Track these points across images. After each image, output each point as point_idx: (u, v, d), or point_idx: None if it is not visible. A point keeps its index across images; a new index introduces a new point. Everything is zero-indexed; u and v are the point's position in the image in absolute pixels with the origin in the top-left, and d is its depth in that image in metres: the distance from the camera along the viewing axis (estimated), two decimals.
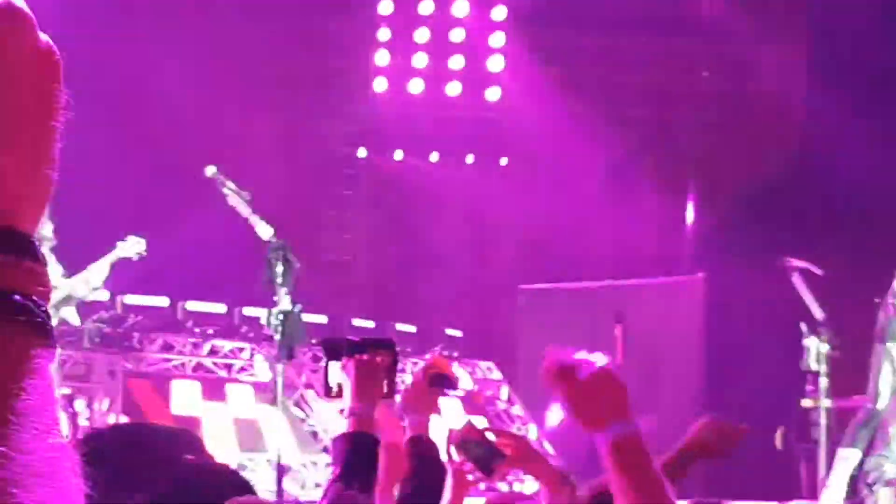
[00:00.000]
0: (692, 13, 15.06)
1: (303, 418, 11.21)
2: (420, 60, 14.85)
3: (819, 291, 9.48)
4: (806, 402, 10.15)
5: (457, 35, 14.87)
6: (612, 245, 14.39)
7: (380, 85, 14.82)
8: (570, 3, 15.05)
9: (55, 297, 8.86)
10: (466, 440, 3.57)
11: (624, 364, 12.81)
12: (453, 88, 14.96)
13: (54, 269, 8.99)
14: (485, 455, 3.54)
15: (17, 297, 0.85)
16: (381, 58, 14.77)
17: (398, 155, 15.06)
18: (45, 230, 9.01)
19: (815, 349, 9.58)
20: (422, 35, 14.80)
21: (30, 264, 0.87)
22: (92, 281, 9.09)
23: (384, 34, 14.75)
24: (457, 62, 14.91)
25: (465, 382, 13.07)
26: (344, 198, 14.89)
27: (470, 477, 3.66)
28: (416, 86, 14.89)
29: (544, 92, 14.91)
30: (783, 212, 12.67)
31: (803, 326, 9.63)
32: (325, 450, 10.51)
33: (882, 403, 8.97)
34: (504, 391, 13.33)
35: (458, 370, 12.74)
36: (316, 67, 14.72)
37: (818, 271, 9.36)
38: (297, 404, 11.14)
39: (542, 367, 2.56)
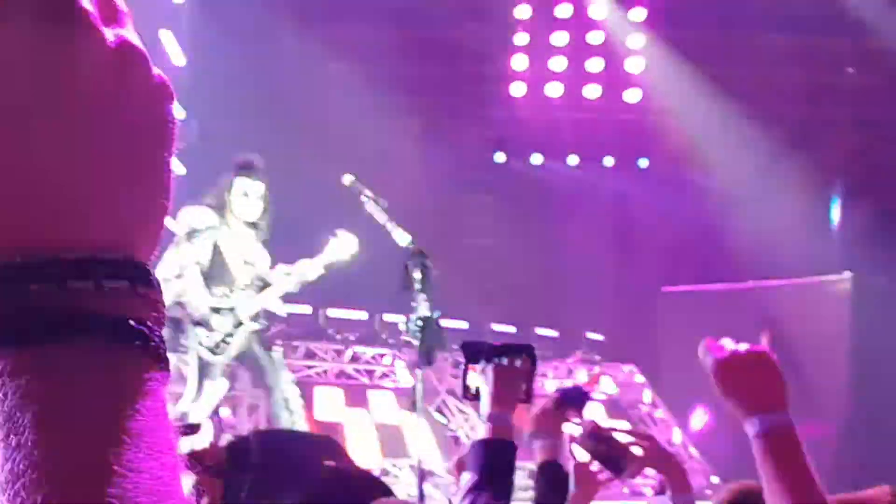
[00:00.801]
0: (837, 9, 14.84)
1: (444, 423, 11.28)
2: (558, 64, 14.82)
3: None
4: None
5: (595, 37, 14.82)
6: (757, 245, 14.25)
7: (517, 89, 14.82)
8: (709, 2, 14.93)
9: (281, 284, 9.20)
10: (592, 438, 3.59)
11: None
12: (592, 91, 14.91)
13: (262, 259, 9.27)
14: (613, 454, 3.55)
15: (131, 322, 0.89)
16: (519, 62, 14.78)
17: (537, 159, 15.10)
18: (262, 223, 9.32)
19: None
20: (560, 38, 14.78)
21: (144, 291, 0.91)
22: (308, 274, 9.26)
23: (521, 38, 14.76)
24: (595, 65, 14.87)
25: (609, 387, 13.09)
26: (483, 203, 14.95)
27: (600, 477, 3.69)
28: (554, 89, 14.87)
29: (685, 92, 14.82)
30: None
31: None
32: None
33: None
34: (647, 395, 13.30)
35: (601, 378, 12.79)
36: (452, 72, 14.79)
37: None
38: (438, 410, 11.22)
39: (701, 351, 2.55)
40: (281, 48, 13.23)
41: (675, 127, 14.91)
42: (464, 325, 12.85)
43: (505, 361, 3.43)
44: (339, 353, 11.80)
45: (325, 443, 5.34)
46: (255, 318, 9.16)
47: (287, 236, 9.55)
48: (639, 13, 14.77)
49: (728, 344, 2.57)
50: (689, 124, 14.89)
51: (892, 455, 10.87)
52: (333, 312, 12.06)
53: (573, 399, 3.92)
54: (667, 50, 14.83)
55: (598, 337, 13.91)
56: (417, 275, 7.70)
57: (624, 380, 13.52)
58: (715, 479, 10.65)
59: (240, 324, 9.06)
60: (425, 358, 7.65)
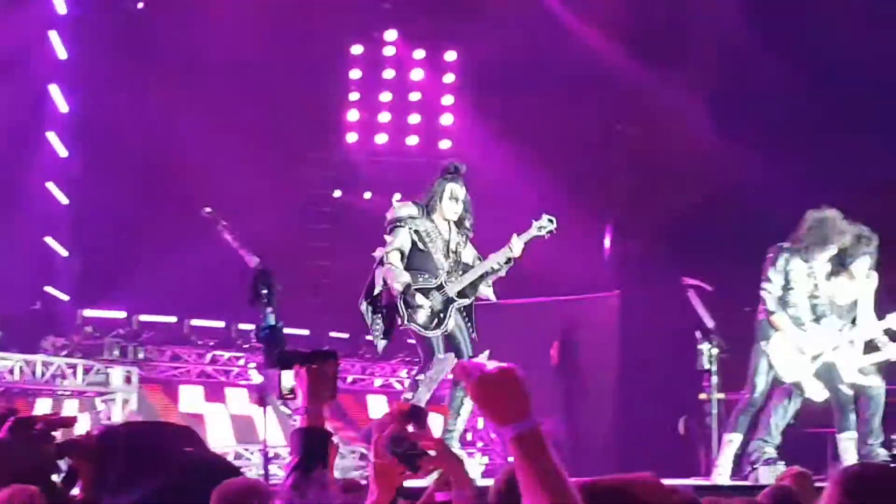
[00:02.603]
0: (612, 75, 15.11)
1: (288, 414, 11.13)
2: (384, 117, 14.86)
3: (709, 304, 9.52)
4: (702, 396, 10.18)
5: (415, 96, 14.88)
6: (547, 268, 14.36)
7: (351, 137, 14.82)
8: (508, 69, 15.09)
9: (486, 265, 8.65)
10: (394, 441, 3.56)
11: (560, 368, 12.85)
12: (412, 140, 14.97)
13: (467, 252, 8.79)
14: (411, 454, 3.54)
15: None
16: (353, 115, 14.77)
17: (367, 195, 15.02)
18: (465, 220, 8.77)
19: (708, 352, 9.61)
20: (385, 96, 14.82)
21: None
22: (514, 250, 8.66)
23: (354, 96, 14.76)
24: (415, 118, 14.92)
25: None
26: (322, 231, 14.84)
27: (398, 473, 3.66)
28: (381, 138, 14.89)
29: (487, 143, 14.95)
30: (681, 240, 12.69)
31: (698, 333, 9.66)
32: None
33: (758, 393, 9.03)
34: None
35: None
36: (299, 123, 14.71)
37: (709, 288, 9.39)
38: (283, 403, 11.05)
39: (460, 372, 2.50)
40: (149, 99, 13.05)
41: (479, 171, 14.93)
42: (305, 332, 12.71)
43: (315, 366, 3.39)
44: (200, 355, 11.57)
45: (186, 432, 5.16)
46: (461, 296, 8.64)
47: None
48: (449, 77, 14.87)
49: (482, 365, 2.49)
50: (491, 169, 14.98)
51: (651, 441, 11.02)
52: (196, 322, 11.83)
53: (416, 414, 3.90)
54: (471, 107, 14.94)
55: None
56: (265, 290, 7.58)
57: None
58: (510, 459, 10.64)
59: (451, 301, 8.59)
60: (271, 359, 7.56)
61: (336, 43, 14.74)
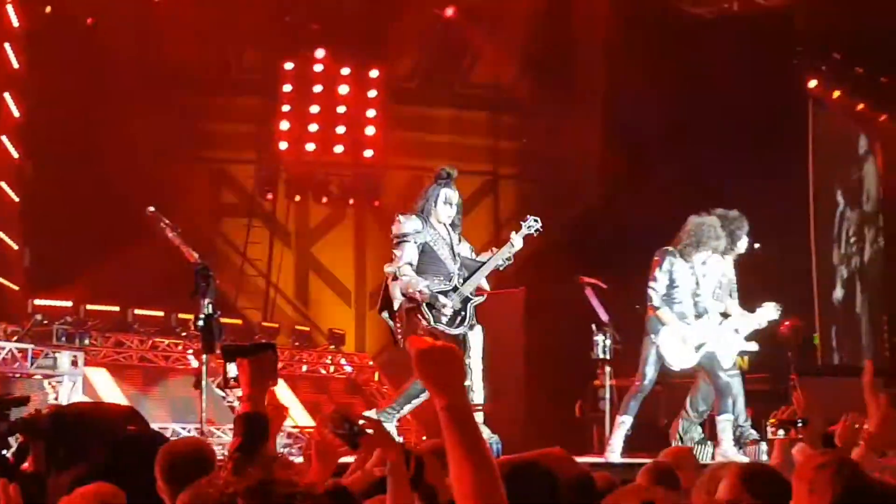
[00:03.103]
0: (515, 95, 15.32)
1: (223, 396, 11.08)
2: (313, 127, 14.85)
3: (604, 300, 9.67)
4: (596, 382, 10.32)
5: (341, 109, 14.90)
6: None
7: (283, 145, 14.78)
8: (424, 86, 15.22)
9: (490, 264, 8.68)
10: (336, 421, 3.58)
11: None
12: (338, 148, 14.99)
13: (465, 249, 8.80)
14: (352, 433, 3.57)
15: None
16: (284, 125, 14.74)
17: (297, 198, 14.99)
18: (457, 221, 8.74)
19: (602, 343, 9.74)
20: (314, 108, 14.82)
21: None
22: (516, 245, 8.74)
23: (286, 108, 14.74)
24: (341, 129, 14.94)
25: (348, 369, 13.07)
26: (257, 229, 14.79)
27: (340, 451, 3.69)
28: (310, 146, 14.88)
29: (405, 151, 15.04)
30: (578, 243, 12.85)
31: (593, 326, 9.79)
32: None
33: (647, 381, 9.20)
34: (376, 375, 13.32)
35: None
36: (236, 132, 14.69)
37: (604, 286, 9.53)
38: (218, 386, 11.00)
39: (408, 344, 2.58)
40: (96, 106, 12.97)
41: (398, 177, 15.10)
42: (239, 321, 12.67)
43: (255, 356, 3.42)
44: (142, 342, 11.47)
45: (129, 412, 5.14)
46: (475, 295, 8.67)
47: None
48: (373, 92, 14.92)
49: (427, 341, 2.57)
50: (408, 176, 15.07)
51: (552, 422, 11.15)
52: (138, 311, 11.72)
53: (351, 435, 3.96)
54: (392, 120, 15.01)
55: (341, 331, 13.85)
56: (203, 283, 7.54)
57: (359, 364, 13.50)
58: (424, 437, 10.70)
59: (467, 300, 8.59)
60: (208, 346, 7.53)
61: (270, 60, 14.71)
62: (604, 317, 9.46)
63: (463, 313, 8.58)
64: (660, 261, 9.09)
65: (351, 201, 15.06)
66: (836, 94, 15.06)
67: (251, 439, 3.26)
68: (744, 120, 13.35)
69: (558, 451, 3.55)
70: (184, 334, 11.45)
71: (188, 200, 13.93)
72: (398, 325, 8.50)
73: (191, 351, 11.29)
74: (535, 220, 8.85)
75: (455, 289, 8.56)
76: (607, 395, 9.60)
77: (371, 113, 14.90)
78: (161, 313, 11.74)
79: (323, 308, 14.74)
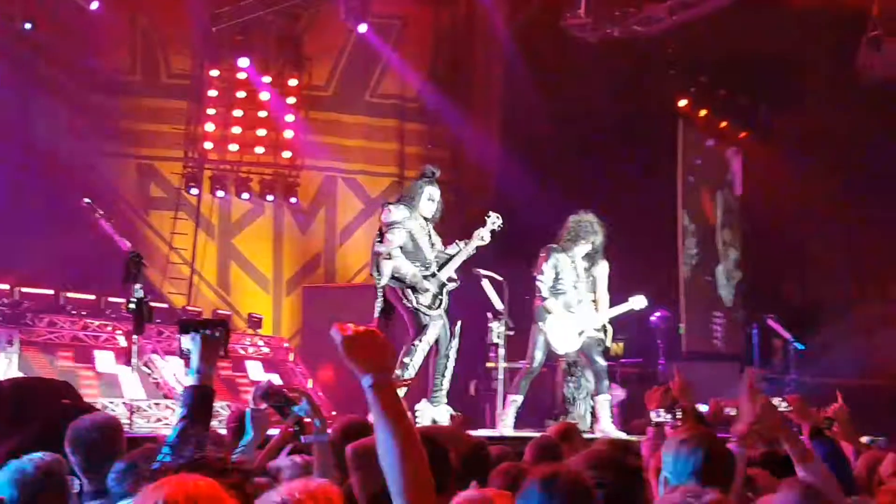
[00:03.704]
0: (420, 105, 15.32)
1: (149, 374, 10.84)
2: (236, 129, 14.64)
3: (499, 291, 9.67)
4: (490, 364, 10.33)
5: (262, 114, 14.71)
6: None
7: (208, 145, 14.53)
8: (338, 95, 15.13)
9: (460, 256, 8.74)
10: (266, 393, 3.53)
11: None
12: (259, 150, 14.78)
13: (439, 241, 8.86)
14: (283, 404, 3.52)
15: None
16: (210, 127, 14.49)
17: (220, 193, 14.73)
18: (436, 216, 8.78)
19: (496, 329, 9.75)
20: (237, 112, 14.62)
21: None
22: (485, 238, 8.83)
23: (211, 111, 14.50)
24: (261, 132, 14.73)
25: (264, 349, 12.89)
26: (183, 221, 14.51)
27: (273, 419, 3.65)
28: (233, 147, 14.65)
29: (320, 154, 14.93)
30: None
31: (489, 314, 9.80)
32: (165, 396, 10.22)
33: (536, 364, 9.27)
34: (291, 356, 13.16)
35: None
36: (165, 132, 14.42)
37: (499, 278, 9.53)
38: (145, 364, 10.77)
39: (333, 330, 2.52)
40: (33, 104, 12.69)
41: (314, 177, 14.98)
42: (165, 306, 12.41)
43: (209, 332, 3.29)
44: (73, 322, 11.13)
45: (63, 387, 5.00)
46: (450, 280, 8.74)
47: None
48: (291, 99, 14.75)
49: (350, 327, 2.54)
50: (323, 176, 14.95)
51: (449, 400, 11.13)
52: (70, 294, 11.39)
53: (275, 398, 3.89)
54: (309, 124, 14.88)
55: (259, 316, 13.63)
56: (133, 269, 7.36)
57: (276, 345, 13.31)
58: (334, 413, 10.59)
59: (444, 284, 8.63)
60: (139, 327, 7.37)
61: (197, 67, 14.46)
62: (499, 305, 9.47)
63: (440, 297, 8.66)
64: (546, 256, 9.20)
65: (270, 198, 14.85)
66: (703, 112, 15.33)
67: (198, 411, 3.14)
68: (623, 133, 13.54)
69: (453, 427, 3.55)
70: (113, 316, 11.17)
71: (120, 193, 13.69)
72: (381, 300, 8.59)
73: (120, 332, 11.03)
74: (497, 217, 8.96)
75: (433, 275, 8.62)
76: (500, 376, 9.61)
77: (289, 118, 14.72)
78: (93, 297, 11.42)
79: (242, 294, 14.54)
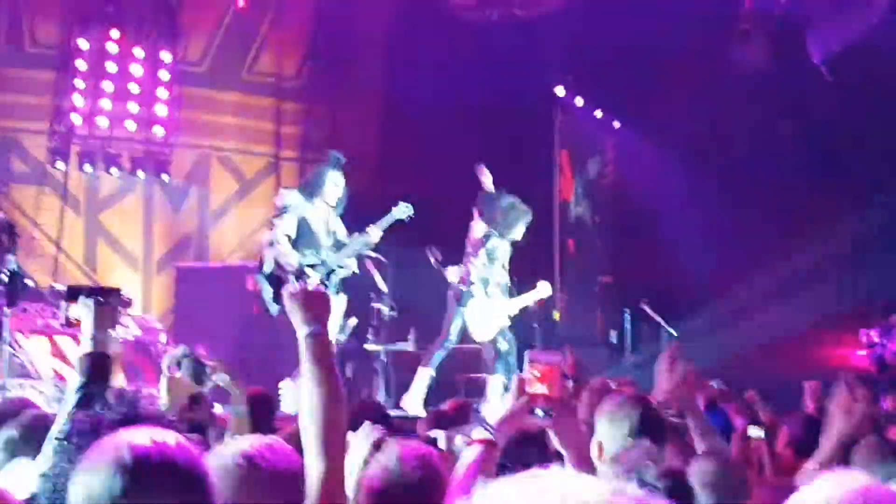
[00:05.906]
0: (297, 84, 15.15)
1: (12, 353, 10.40)
2: (106, 104, 14.15)
3: (384, 274, 9.69)
4: (368, 346, 10.33)
5: (134, 88, 14.27)
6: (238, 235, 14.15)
7: (77, 119, 14.01)
8: (213, 71, 14.83)
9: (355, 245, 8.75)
10: (184, 360, 3.50)
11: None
12: (130, 125, 14.32)
13: (340, 229, 8.92)
14: (198, 371, 3.51)
15: None
16: (78, 99, 13.96)
17: (88, 168, 14.24)
18: (340, 203, 8.80)
19: (380, 310, 9.77)
20: (108, 86, 14.13)
21: None
22: (372, 237, 8.89)
23: (79, 84, 13.97)
24: (133, 107, 14.29)
25: (135, 331, 12.51)
26: (48, 197, 14.00)
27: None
28: (102, 121, 14.15)
29: (193, 132, 14.61)
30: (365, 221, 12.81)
31: (373, 295, 9.80)
32: (28, 376, 9.84)
33: (450, 343, 9.35)
34: (162, 336, 12.82)
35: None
36: (28, 104, 13.87)
37: (384, 261, 9.53)
38: (10, 345, 10.33)
39: (288, 288, 2.69)
40: None
41: (187, 153, 14.64)
42: (30, 282, 11.91)
43: (100, 298, 3.17)
44: None
45: None
46: (340, 267, 8.72)
47: None
48: (165, 74, 14.35)
49: (300, 287, 2.66)
50: (195, 152, 14.63)
51: None
52: None
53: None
54: (182, 100, 14.51)
55: (130, 297, 13.24)
56: (6, 240, 7.06)
57: (144, 325, 12.93)
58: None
59: (331, 272, 8.60)
60: (11, 300, 7.09)
61: (66, 37, 13.93)
62: (384, 287, 9.48)
63: (326, 283, 8.64)
64: (483, 241, 9.27)
65: (141, 175, 14.43)
66: (580, 100, 15.59)
67: (95, 378, 3.01)
68: (503, 117, 13.64)
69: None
70: None
71: (31, 179, 13.27)
72: (270, 287, 8.57)
73: None
74: (407, 207, 8.99)
75: (323, 262, 8.59)
76: (382, 357, 9.63)
77: (162, 93, 14.34)
78: None
79: (111, 273, 14.10)
